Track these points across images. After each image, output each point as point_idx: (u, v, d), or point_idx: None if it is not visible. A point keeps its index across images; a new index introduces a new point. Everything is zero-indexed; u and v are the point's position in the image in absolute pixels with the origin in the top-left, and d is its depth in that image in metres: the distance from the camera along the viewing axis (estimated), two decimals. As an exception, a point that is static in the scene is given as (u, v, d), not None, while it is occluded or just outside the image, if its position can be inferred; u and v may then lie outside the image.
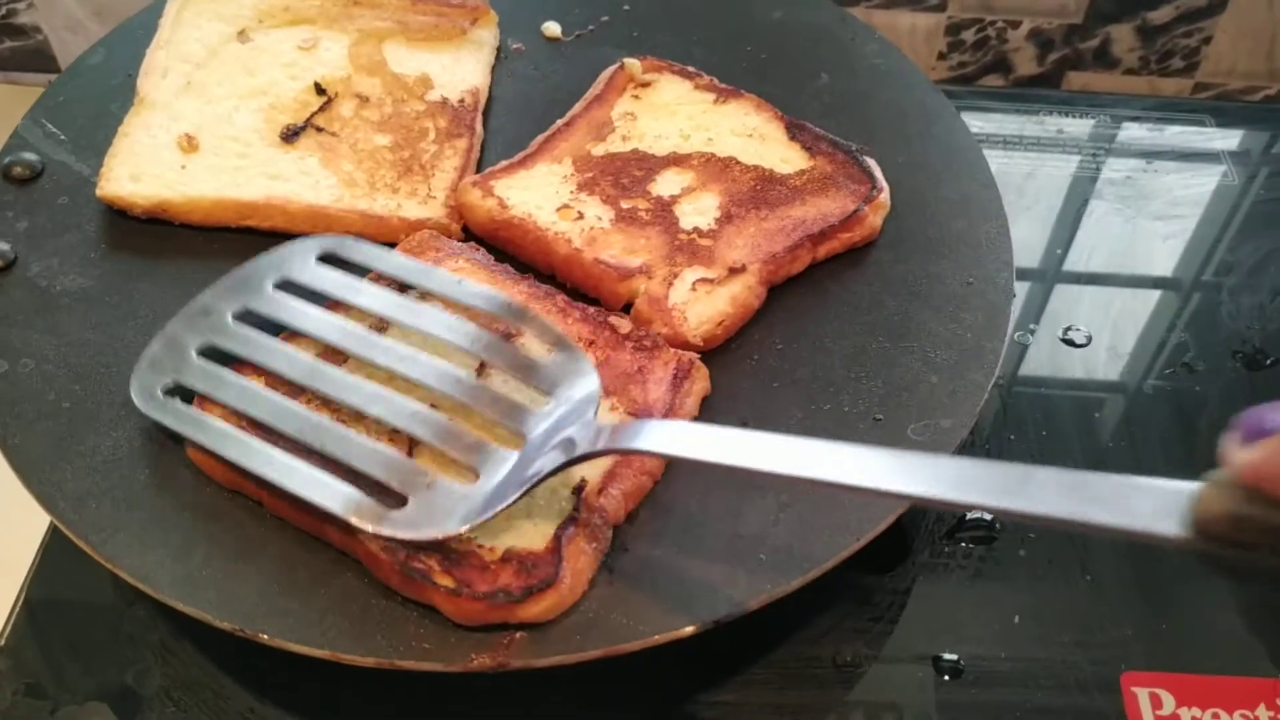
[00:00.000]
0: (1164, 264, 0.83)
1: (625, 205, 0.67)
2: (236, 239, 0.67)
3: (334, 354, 0.58)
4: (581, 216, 0.66)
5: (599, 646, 0.51)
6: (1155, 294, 0.82)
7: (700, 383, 0.59)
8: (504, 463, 0.53)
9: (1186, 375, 0.76)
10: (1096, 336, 0.78)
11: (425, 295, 0.60)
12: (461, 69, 0.75)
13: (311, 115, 0.71)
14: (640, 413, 0.57)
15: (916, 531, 0.67)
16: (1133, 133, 0.93)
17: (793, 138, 0.71)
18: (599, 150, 0.70)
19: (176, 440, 0.57)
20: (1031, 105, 0.94)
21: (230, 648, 0.58)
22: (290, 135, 0.70)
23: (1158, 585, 0.66)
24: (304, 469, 0.53)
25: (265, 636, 0.51)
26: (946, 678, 0.62)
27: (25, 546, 0.66)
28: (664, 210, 0.67)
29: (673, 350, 0.60)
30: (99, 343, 0.61)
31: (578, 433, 0.52)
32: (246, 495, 0.55)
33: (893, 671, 0.62)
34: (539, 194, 0.68)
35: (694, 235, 0.65)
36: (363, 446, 0.54)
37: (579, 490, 0.54)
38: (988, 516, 0.69)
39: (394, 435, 0.55)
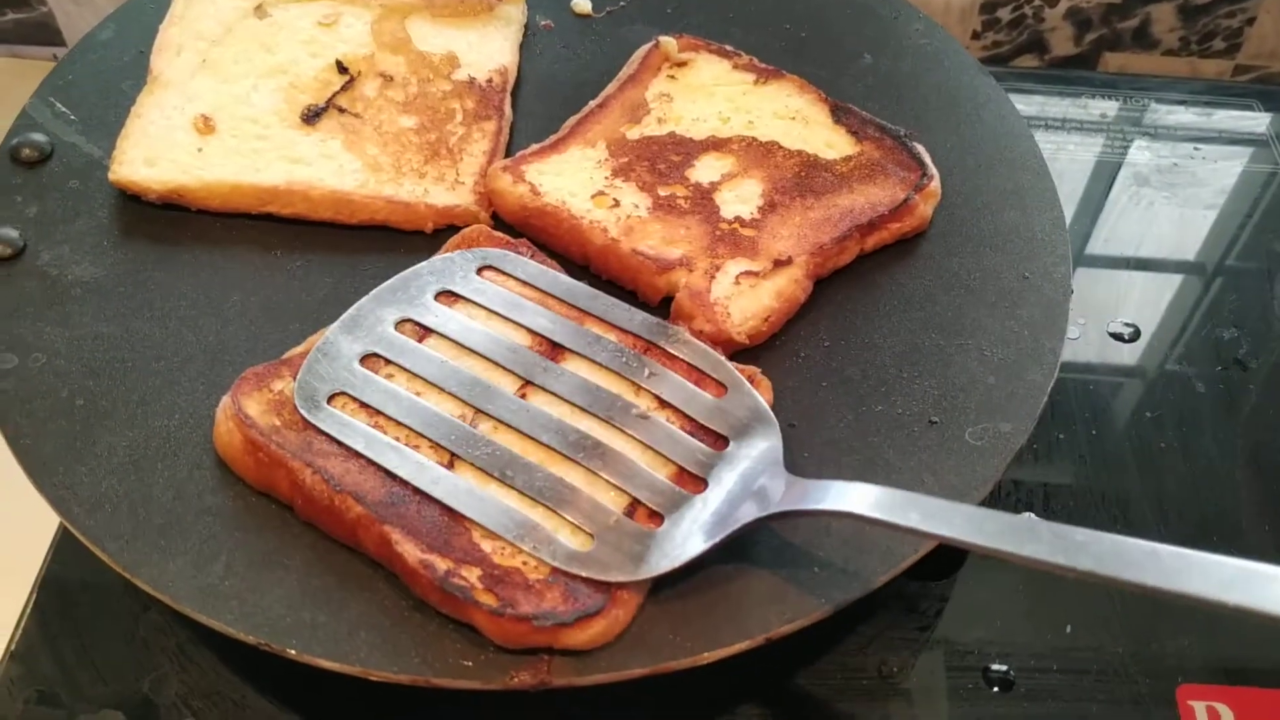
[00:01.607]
0: (1213, 253, 0.80)
1: (663, 192, 0.64)
2: (255, 225, 0.64)
3: (496, 370, 0.55)
4: (617, 204, 0.63)
5: (645, 665, 0.48)
6: (1203, 284, 0.79)
7: (764, 396, 0.56)
8: (689, 507, 0.50)
9: (1240, 372, 0.73)
10: (1145, 330, 0.75)
11: (584, 316, 0.58)
12: (489, 47, 0.72)
13: (333, 95, 0.68)
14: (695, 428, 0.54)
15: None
16: (1178, 117, 0.89)
17: (838, 121, 0.68)
18: (634, 133, 0.67)
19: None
20: (1074, 88, 0.91)
21: (250, 656, 0.55)
22: (311, 116, 0.67)
23: (1215, 593, 0.63)
24: (477, 491, 0.51)
25: (293, 651, 0.48)
26: (996, 689, 0.60)
27: (35, 547, 0.63)
28: (704, 198, 0.63)
29: (732, 364, 0.56)
30: (113, 336, 0.58)
31: (770, 484, 0.50)
32: (276, 500, 0.52)
33: (941, 683, 0.60)
34: (572, 180, 0.64)
35: (736, 225, 0.62)
36: (547, 476, 0.51)
37: (630, 512, 0.51)
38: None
39: (566, 463, 0.52)
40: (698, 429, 0.54)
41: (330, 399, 0.54)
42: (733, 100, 0.69)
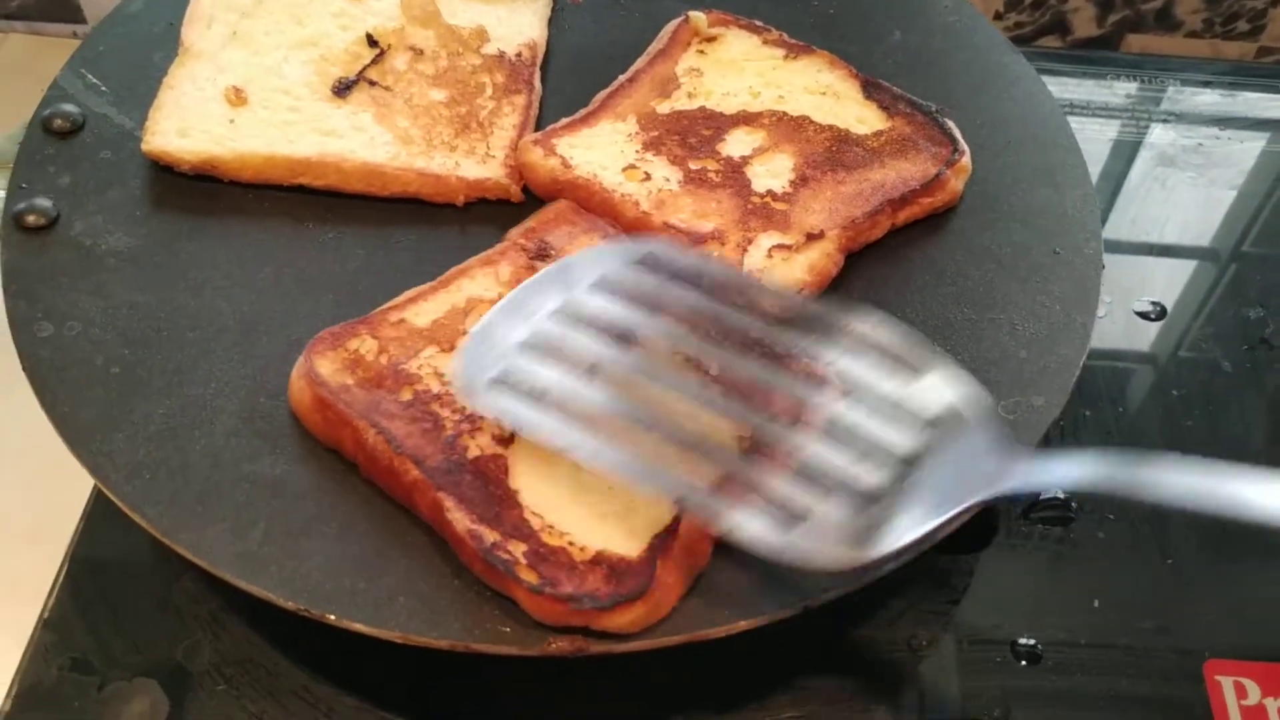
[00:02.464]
0: (1238, 233, 0.80)
1: (694, 166, 0.64)
2: (287, 197, 0.64)
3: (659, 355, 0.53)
4: (649, 178, 0.63)
5: (681, 633, 0.48)
6: (1229, 265, 0.79)
7: None
8: (911, 486, 0.47)
9: (1266, 351, 0.73)
10: (1171, 309, 0.75)
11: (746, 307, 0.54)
12: (518, 21, 0.72)
13: (364, 68, 0.68)
14: None
15: (1001, 516, 0.65)
16: (1204, 98, 0.89)
17: (868, 96, 0.68)
18: (664, 108, 0.67)
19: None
20: (1097, 68, 0.91)
21: (283, 624, 0.55)
22: (342, 89, 0.67)
23: (1242, 569, 0.64)
24: (651, 469, 0.48)
25: (332, 617, 0.48)
26: (1024, 663, 0.60)
27: (67, 516, 0.63)
28: (735, 172, 0.63)
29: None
30: (147, 305, 0.58)
31: (987, 463, 0.47)
32: (313, 467, 0.52)
33: (969, 656, 0.60)
34: (603, 153, 0.64)
35: (768, 199, 0.62)
36: (743, 458, 0.49)
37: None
38: (1062, 495, 0.66)
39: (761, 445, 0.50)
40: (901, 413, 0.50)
41: (494, 383, 0.52)
42: (763, 75, 0.69)
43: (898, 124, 0.66)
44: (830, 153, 0.64)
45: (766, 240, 0.60)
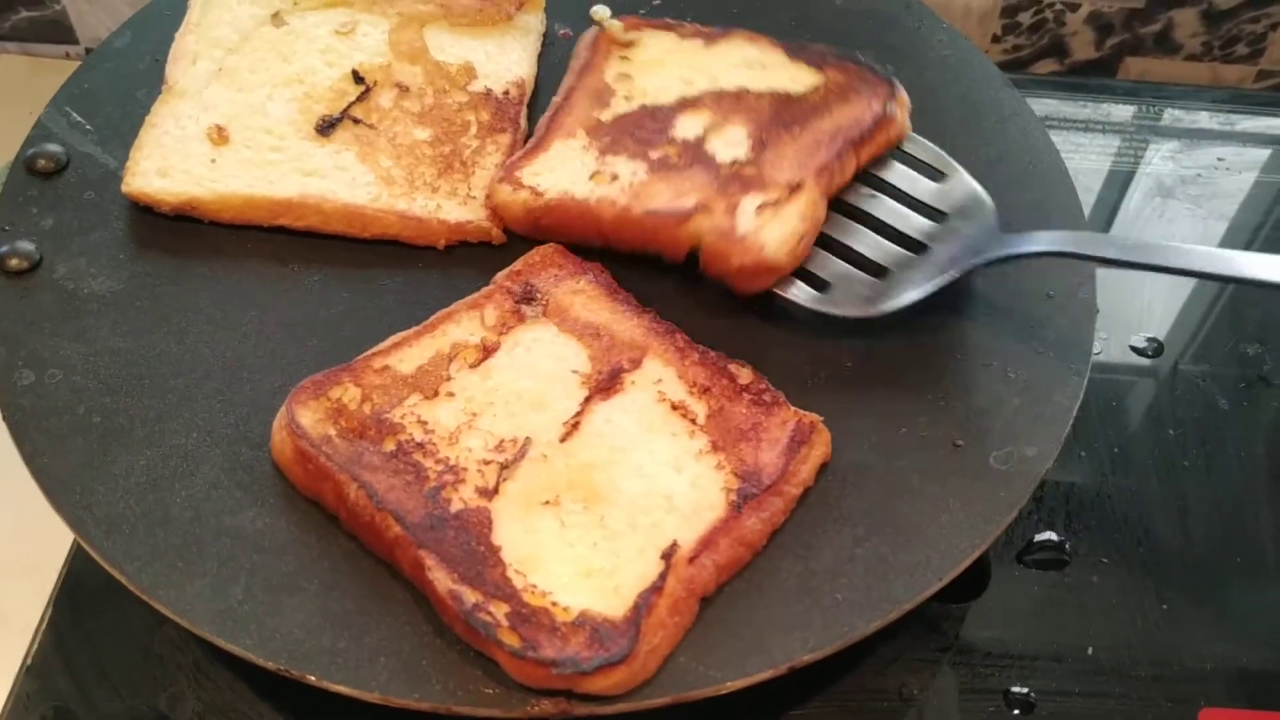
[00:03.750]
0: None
1: (655, 155, 0.64)
2: (270, 238, 0.63)
3: None
4: (616, 177, 0.63)
5: (668, 694, 0.48)
6: (1226, 298, 0.78)
7: (820, 449, 0.54)
8: (911, 262, 0.60)
9: (1264, 388, 0.73)
10: (1168, 345, 0.74)
11: None
12: (506, 57, 0.71)
13: (349, 106, 0.67)
14: (748, 476, 0.53)
15: (993, 561, 0.64)
16: (1202, 126, 0.88)
17: (795, 58, 0.69)
18: (606, 116, 0.67)
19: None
20: (1096, 95, 0.90)
21: (267, 673, 0.55)
22: (326, 127, 0.66)
23: (1238, 616, 0.63)
24: None
25: (313, 678, 0.48)
26: (1017, 712, 0.59)
27: (51, 560, 0.63)
28: (696, 151, 0.64)
29: (793, 410, 0.55)
30: (130, 351, 0.58)
31: (984, 239, 0.60)
32: (294, 521, 0.52)
33: (962, 705, 0.59)
34: (566, 171, 0.64)
35: (735, 167, 0.63)
36: None
37: (667, 555, 0.49)
38: (1056, 538, 0.66)
39: None
40: (921, 206, 0.62)
41: None
42: (690, 65, 0.69)
43: (831, 75, 0.67)
44: (777, 114, 0.65)
45: (750, 202, 0.60)
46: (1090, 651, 0.61)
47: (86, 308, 0.59)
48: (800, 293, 0.60)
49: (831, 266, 0.61)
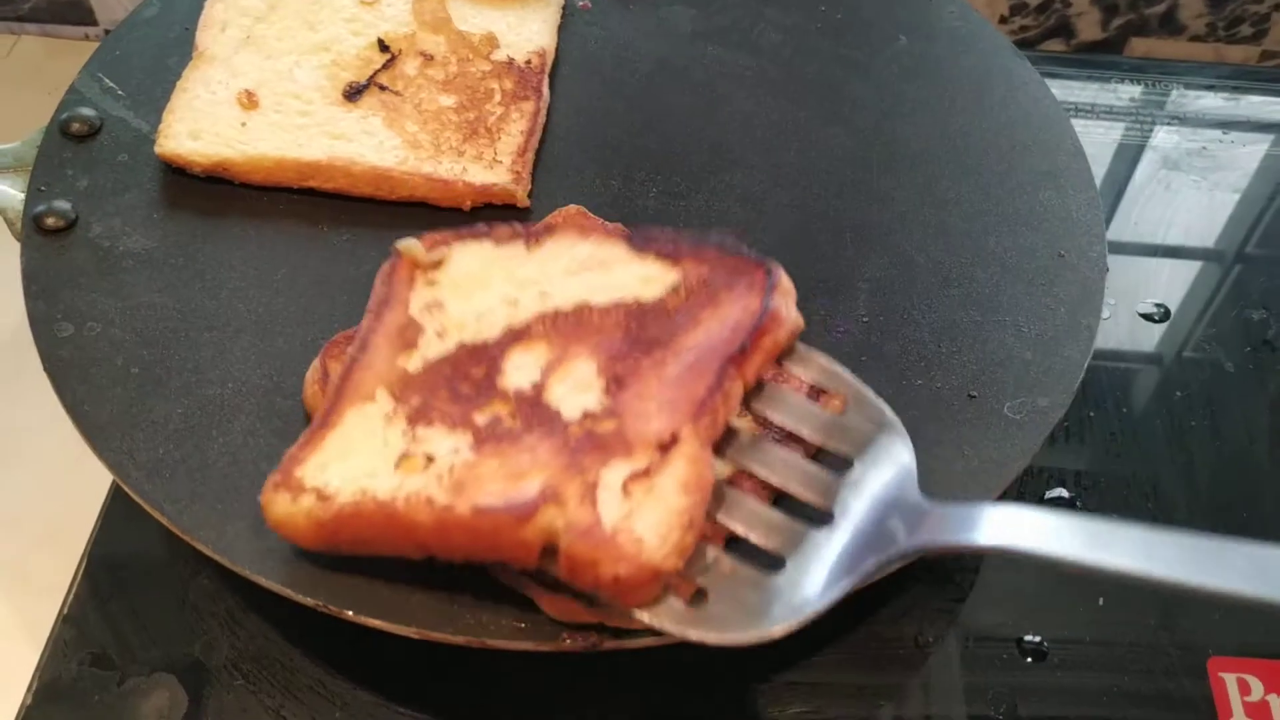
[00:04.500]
0: (1241, 236, 0.81)
1: (481, 420, 0.48)
2: (300, 200, 0.65)
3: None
4: (431, 460, 0.47)
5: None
6: (1231, 267, 0.79)
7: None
8: (815, 547, 0.44)
9: (1269, 353, 0.74)
10: (1175, 311, 0.76)
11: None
12: (527, 28, 0.73)
13: (375, 73, 0.69)
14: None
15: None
16: (1207, 101, 0.90)
17: (640, 250, 0.54)
18: (414, 364, 0.51)
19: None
20: (1102, 72, 0.91)
21: (299, 620, 0.56)
22: (353, 93, 0.68)
23: (1245, 569, 0.64)
24: None
25: (350, 613, 0.49)
26: (1030, 660, 0.61)
27: (85, 513, 0.64)
28: (533, 406, 0.49)
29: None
30: (165, 306, 0.59)
31: (906, 513, 0.44)
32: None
33: (975, 653, 0.61)
34: (363, 457, 0.48)
35: (588, 423, 0.47)
36: None
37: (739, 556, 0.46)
38: (1067, 494, 0.67)
39: None
40: (816, 451, 0.48)
41: None
42: (512, 277, 0.55)
43: (688, 267, 0.53)
44: (630, 335, 0.51)
45: (613, 475, 0.46)
46: (1101, 603, 0.63)
47: (122, 264, 0.61)
48: (667, 612, 0.44)
49: (709, 564, 0.45)
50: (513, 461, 0.46)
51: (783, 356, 0.51)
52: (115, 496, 0.64)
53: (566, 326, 0.51)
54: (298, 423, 0.55)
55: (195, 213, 0.64)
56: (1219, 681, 0.60)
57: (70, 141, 0.66)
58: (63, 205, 0.62)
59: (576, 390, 0.49)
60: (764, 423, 0.50)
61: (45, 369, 0.56)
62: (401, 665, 0.58)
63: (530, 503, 0.45)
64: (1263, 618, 0.62)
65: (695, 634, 0.44)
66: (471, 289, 0.54)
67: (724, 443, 0.48)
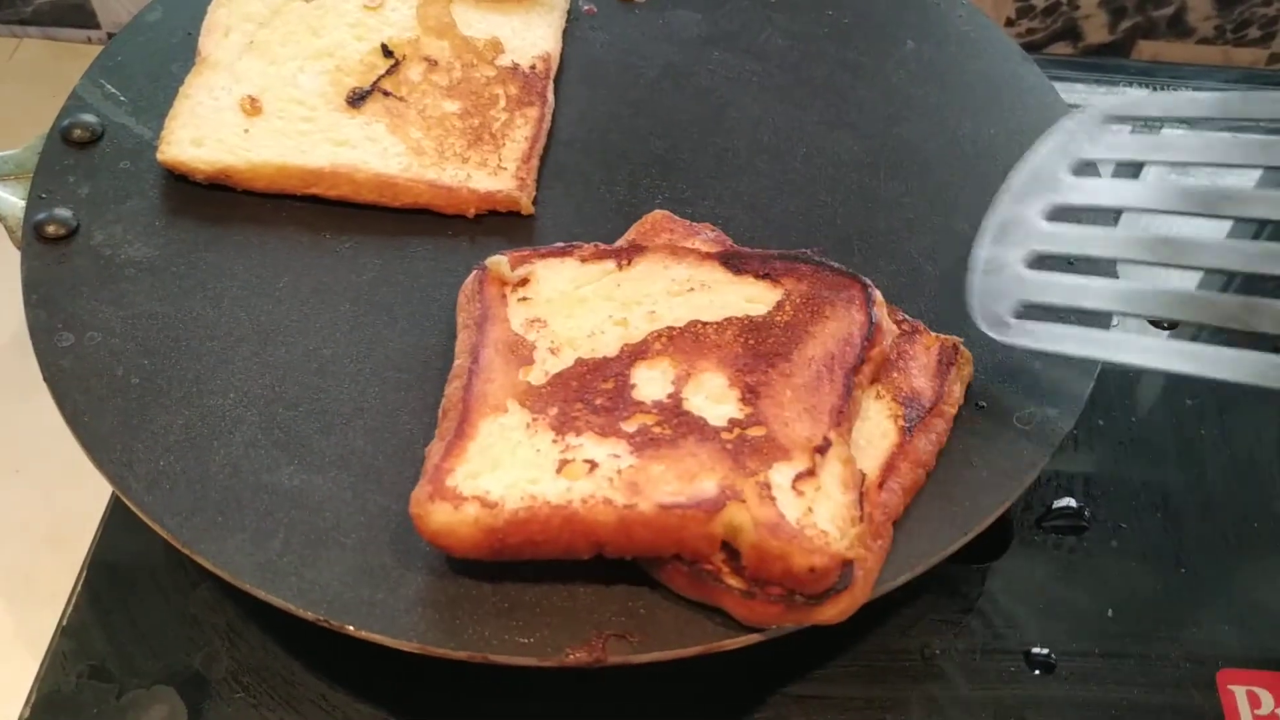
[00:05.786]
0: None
1: (629, 428, 0.50)
2: (302, 207, 0.64)
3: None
4: (595, 465, 0.48)
5: (698, 643, 0.49)
6: (1239, 276, 0.78)
7: (966, 368, 0.56)
8: None
9: (1279, 360, 0.73)
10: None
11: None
12: (532, 33, 0.72)
13: (378, 79, 0.68)
14: (909, 401, 0.54)
15: (1014, 522, 0.65)
16: (1216, 105, 0.89)
17: (737, 271, 0.57)
18: (535, 377, 0.53)
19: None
20: (1110, 75, 0.91)
21: (300, 632, 0.56)
22: (356, 99, 0.67)
23: (1256, 579, 0.64)
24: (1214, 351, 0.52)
25: (351, 628, 0.49)
26: (1038, 672, 0.60)
27: (86, 521, 0.64)
28: (679, 415, 0.50)
29: (934, 335, 0.57)
30: (166, 315, 0.59)
31: None
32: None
33: (983, 665, 0.60)
34: (515, 465, 0.49)
35: (737, 430, 0.50)
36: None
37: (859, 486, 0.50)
38: (1075, 503, 0.67)
39: None
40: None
41: (1019, 315, 0.55)
42: (611, 297, 0.56)
43: (788, 285, 0.56)
44: (750, 349, 0.53)
45: (780, 476, 0.48)
46: (1110, 614, 0.62)
47: (123, 273, 0.60)
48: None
49: None
50: (679, 465, 0.49)
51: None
52: (115, 507, 0.64)
53: (685, 343, 0.54)
54: (299, 433, 0.55)
55: (197, 220, 0.63)
56: (1228, 694, 0.60)
57: (72, 148, 0.65)
58: (64, 213, 0.62)
59: (713, 401, 0.52)
60: None
61: (45, 379, 0.56)
62: (404, 679, 0.57)
63: (714, 499, 0.47)
64: (1272, 631, 0.62)
65: None
66: (570, 307, 0.56)
67: None
